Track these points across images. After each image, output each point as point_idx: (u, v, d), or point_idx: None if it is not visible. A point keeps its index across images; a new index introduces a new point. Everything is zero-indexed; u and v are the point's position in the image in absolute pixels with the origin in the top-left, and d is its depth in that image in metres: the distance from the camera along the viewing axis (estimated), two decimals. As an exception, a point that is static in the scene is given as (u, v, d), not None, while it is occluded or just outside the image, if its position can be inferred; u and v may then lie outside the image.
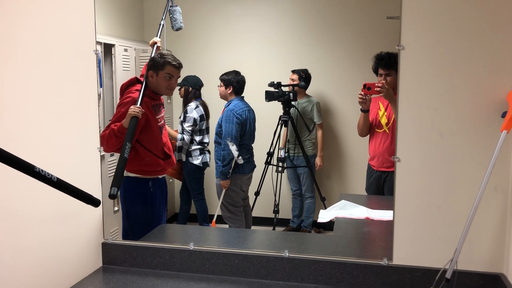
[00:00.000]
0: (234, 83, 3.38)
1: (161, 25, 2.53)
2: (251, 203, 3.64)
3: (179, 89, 3.70)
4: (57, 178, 1.30)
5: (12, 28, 1.77)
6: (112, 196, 1.77)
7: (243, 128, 3.34)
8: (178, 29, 2.62)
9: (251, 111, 3.42)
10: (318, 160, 3.78)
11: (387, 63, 2.72)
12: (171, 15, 2.60)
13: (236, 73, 3.41)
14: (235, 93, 3.40)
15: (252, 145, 3.48)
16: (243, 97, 3.44)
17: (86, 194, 1.46)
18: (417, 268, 1.66)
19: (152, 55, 2.45)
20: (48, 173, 1.27)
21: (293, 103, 3.57)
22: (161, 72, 2.39)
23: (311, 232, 3.78)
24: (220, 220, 3.55)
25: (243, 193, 3.53)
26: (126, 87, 2.42)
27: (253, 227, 3.65)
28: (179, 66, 2.43)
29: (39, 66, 1.79)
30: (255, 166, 3.55)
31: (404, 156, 1.65)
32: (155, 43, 2.50)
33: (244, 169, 3.42)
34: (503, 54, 1.53)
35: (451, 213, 1.62)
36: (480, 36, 1.55)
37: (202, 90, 3.70)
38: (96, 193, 1.82)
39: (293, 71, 3.75)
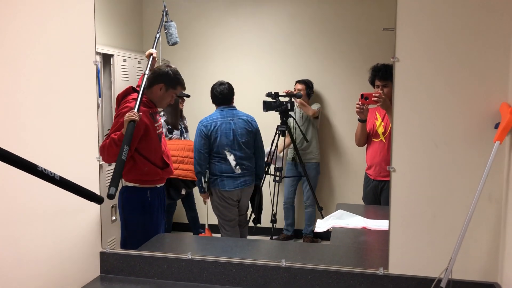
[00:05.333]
0: (211, 93, 3.30)
1: (157, 38, 2.56)
2: (248, 212, 3.61)
3: (182, 101, 3.70)
4: (60, 176, 1.31)
5: (13, 39, 1.79)
6: (110, 196, 1.78)
7: (210, 140, 3.19)
8: (174, 43, 2.66)
9: (233, 122, 3.25)
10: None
11: (383, 74, 2.74)
12: (166, 30, 2.63)
13: (218, 83, 3.29)
14: (215, 104, 3.30)
15: (239, 161, 3.27)
16: (229, 107, 3.31)
17: (89, 192, 1.47)
18: (412, 277, 1.67)
19: (148, 65, 2.46)
20: (50, 172, 1.28)
21: (290, 113, 3.59)
22: (172, 90, 2.49)
23: (312, 237, 3.77)
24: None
25: (234, 209, 3.33)
26: (122, 97, 2.43)
27: (250, 237, 3.64)
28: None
29: (40, 77, 1.81)
30: (244, 183, 3.31)
31: (399, 166, 1.67)
32: (151, 54, 2.53)
33: (224, 184, 3.24)
34: (496, 67, 1.56)
35: (446, 222, 1.64)
36: (474, 50, 1.58)
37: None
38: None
39: (299, 81, 3.77)
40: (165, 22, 2.62)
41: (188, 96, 3.62)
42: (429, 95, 1.62)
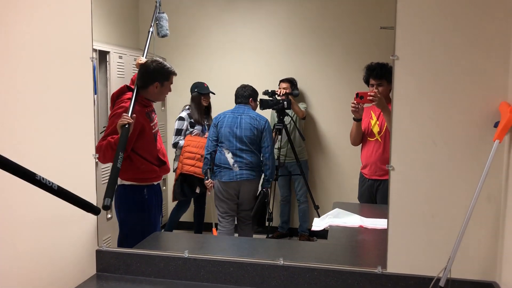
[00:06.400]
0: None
1: (150, 32, 2.55)
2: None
3: (205, 98, 3.73)
4: (58, 186, 1.31)
5: (10, 36, 1.77)
6: (106, 207, 1.76)
7: (217, 129, 3.40)
8: (164, 36, 2.65)
9: (241, 117, 3.39)
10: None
11: (378, 73, 2.74)
12: (157, 22, 2.63)
13: (241, 86, 3.51)
14: (235, 102, 3.50)
15: (238, 153, 3.36)
16: (244, 105, 3.45)
17: (86, 202, 1.46)
18: (411, 276, 1.67)
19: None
20: (49, 181, 1.28)
21: (287, 111, 3.59)
22: (166, 82, 2.49)
23: (308, 235, 3.78)
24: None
25: (230, 203, 3.40)
26: (117, 96, 2.42)
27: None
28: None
29: (36, 73, 1.79)
30: (240, 176, 3.37)
31: (398, 165, 1.67)
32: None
33: (222, 175, 3.38)
34: (496, 66, 1.56)
35: (445, 221, 1.64)
36: (474, 48, 1.58)
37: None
38: (91, 200, 1.80)
39: (283, 80, 3.80)
40: (158, 13, 2.61)
41: (213, 93, 3.67)
42: (429, 94, 1.62)
